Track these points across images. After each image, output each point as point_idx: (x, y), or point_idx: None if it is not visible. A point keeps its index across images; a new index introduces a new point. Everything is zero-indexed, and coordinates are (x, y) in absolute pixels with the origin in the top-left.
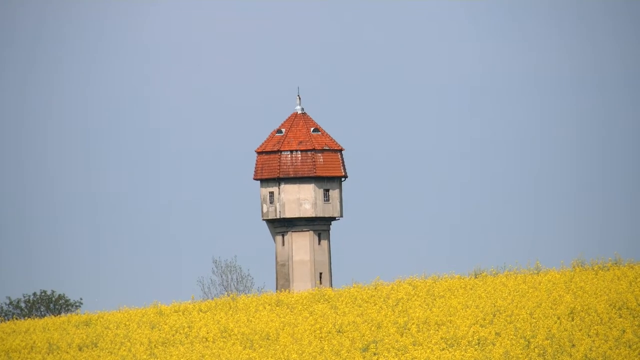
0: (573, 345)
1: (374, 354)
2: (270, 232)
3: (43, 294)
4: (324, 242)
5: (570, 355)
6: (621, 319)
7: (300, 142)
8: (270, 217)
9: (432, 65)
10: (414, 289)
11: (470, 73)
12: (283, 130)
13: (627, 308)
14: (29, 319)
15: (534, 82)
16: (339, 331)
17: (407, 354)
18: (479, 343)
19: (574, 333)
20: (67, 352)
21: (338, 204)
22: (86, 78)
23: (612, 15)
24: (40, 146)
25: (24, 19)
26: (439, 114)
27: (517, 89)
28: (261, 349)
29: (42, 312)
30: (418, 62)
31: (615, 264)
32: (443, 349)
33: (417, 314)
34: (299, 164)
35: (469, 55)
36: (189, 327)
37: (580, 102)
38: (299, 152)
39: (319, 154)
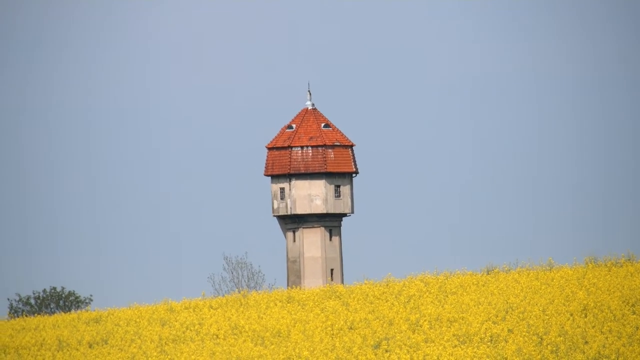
0: (586, 342)
1: (386, 351)
2: (281, 228)
3: (53, 290)
4: (335, 239)
5: (583, 352)
6: (635, 316)
7: (311, 137)
8: (281, 214)
9: (445, 59)
10: (425, 286)
11: (485, 67)
12: (293, 126)
13: None
14: (39, 315)
15: (554, 75)
16: (351, 328)
17: (419, 351)
18: (491, 340)
19: (587, 330)
20: (77, 350)
21: (349, 200)
22: (89, 72)
23: (612, 15)
24: (47, 140)
25: (25, 17)
26: (453, 108)
27: (536, 84)
28: (272, 346)
29: (52, 309)
30: (430, 56)
31: (629, 260)
32: (455, 346)
33: (429, 311)
34: (310, 159)
35: (483, 52)
36: (199, 324)
37: (591, 96)
38: (310, 148)
39: (330, 150)
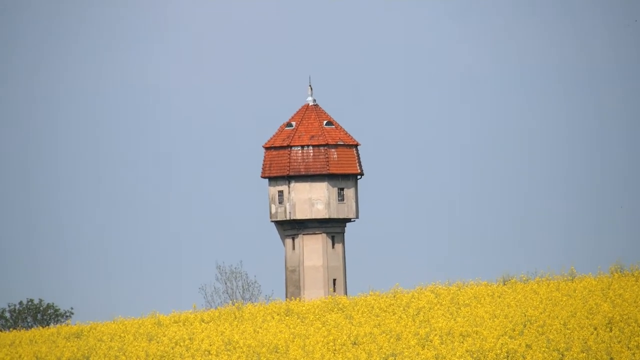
0: (611, 359)
1: None
2: (280, 234)
3: (30, 303)
4: (338, 246)
5: None
6: None
7: (312, 136)
8: (279, 219)
9: (455, 53)
10: (436, 297)
11: (503, 60)
12: (293, 123)
13: None
14: (15, 330)
15: (591, 74)
16: (355, 343)
17: None
18: (507, 356)
19: (612, 345)
20: None
21: (353, 204)
22: (84, 72)
23: (611, 14)
24: (31, 150)
25: (35, 15)
26: (464, 106)
27: (561, 81)
28: None
29: (29, 323)
30: (439, 49)
31: None
32: None
33: (440, 325)
34: (311, 160)
35: (498, 44)
36: (190, 339)
37: (603, 93)
38: (311, 148)
39: (333, 150)
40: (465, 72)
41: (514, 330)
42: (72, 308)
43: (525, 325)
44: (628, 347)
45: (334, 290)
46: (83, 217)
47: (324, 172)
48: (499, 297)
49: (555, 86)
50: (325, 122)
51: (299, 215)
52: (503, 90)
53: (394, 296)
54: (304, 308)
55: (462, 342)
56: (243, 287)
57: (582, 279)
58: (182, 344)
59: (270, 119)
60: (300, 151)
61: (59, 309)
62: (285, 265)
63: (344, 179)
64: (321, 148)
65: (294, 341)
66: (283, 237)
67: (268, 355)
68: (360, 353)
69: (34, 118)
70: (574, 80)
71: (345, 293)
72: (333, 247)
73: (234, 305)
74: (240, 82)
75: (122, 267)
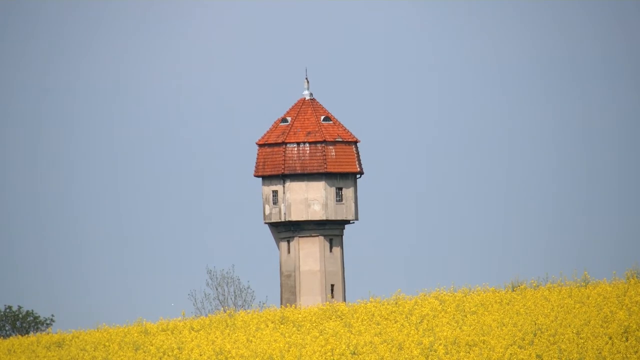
0: None
1: None
2: (274, 237)
3: (8, 310)
4: (336, 250)
5: None
6: None
7: (309, 132)
8: (273, 220)
9: (462, 43)
10: (441, 304)
11: (515, 50)
12: (288, 119)
13: None
14: None
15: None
16: (354, 353)
17: None
18: None
19: (628, 355)
20: None
21: (352, 204)
22: (71, 68)
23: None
24: (13, 147)
25: (41, 16)
26: (473, 101)
27: (573, 76)
28: None
29: (7, 332)
30: (443, 40)
31: None
32: None
33: (445, 333)
34: (307, 158)
35: (509, 35)
36: (178, 348)
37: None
38: (307, 145)
39: (331, 147)
40: (476, 64)
41: (524, 340)
42: (53, 315)
43: (535, 334)
44: None
45: (332, 297)
46: (63, 218)
47: (321, 171)
48: (508, 304)
49: (572, 84)
50: (322, 117)
51: (295, 217)
52: (513, 86)
53: (396, 303)
54: (300, 315)
55: (469, 352)
56: (235, 293)
57: (596, 285)
58: (170, 353)
59: (264, 114)
60: (295, 148)
61: (39, 317)
62: (280, 270)
63: (343, 178)
64: (318, 145)
65: (289, 351)
66: (278, 240)
67: None
68: None
69: (21, 124)
70: (591, 75)
71: (344, 300)
72: (331, 250)
73: (225, 312)
74: (231, 75)
75: (106, 272)
